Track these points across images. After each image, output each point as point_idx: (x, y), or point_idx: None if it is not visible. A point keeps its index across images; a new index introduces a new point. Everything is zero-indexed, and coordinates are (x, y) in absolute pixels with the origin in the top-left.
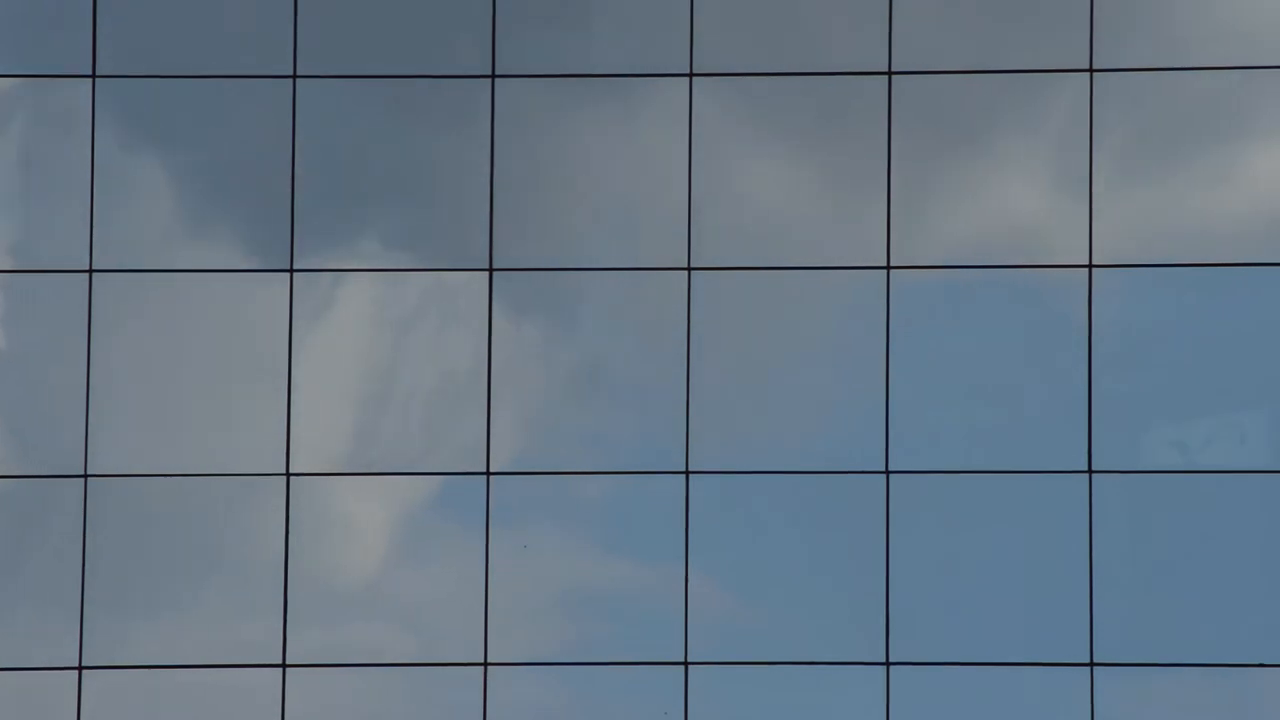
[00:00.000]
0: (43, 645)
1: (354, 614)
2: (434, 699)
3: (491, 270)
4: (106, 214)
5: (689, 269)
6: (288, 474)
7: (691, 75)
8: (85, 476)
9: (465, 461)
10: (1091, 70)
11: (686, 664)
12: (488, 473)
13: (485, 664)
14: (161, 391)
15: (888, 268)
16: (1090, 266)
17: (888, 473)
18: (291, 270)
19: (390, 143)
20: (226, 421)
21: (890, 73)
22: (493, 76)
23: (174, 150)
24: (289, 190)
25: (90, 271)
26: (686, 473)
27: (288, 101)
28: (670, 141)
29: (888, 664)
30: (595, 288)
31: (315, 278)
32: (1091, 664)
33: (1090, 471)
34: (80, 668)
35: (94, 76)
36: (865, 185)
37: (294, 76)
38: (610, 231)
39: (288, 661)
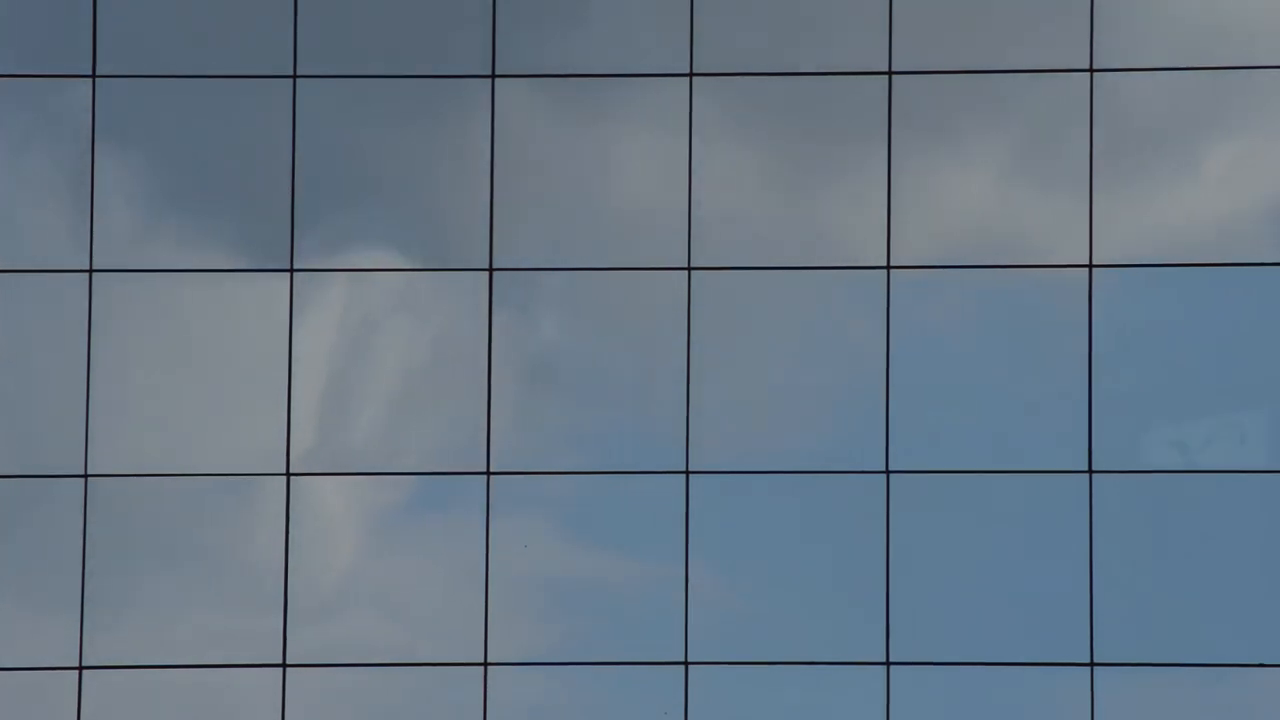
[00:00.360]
0: (43, 645)
1: (353, 613)
2: (434, 699)
3: (491, 270)
4: (74, 214)
5: (689, 269)
6: (288, 474)
7: (692, 75)
8: (85, 476)
9: (451, 460)
10: (1092, 70)
11: (686, 664)
12: (488, 472)
13: (485, 664)
14: (161, 391)
15: (888, 268)
16: (1090, 266)
17: (888, 473)
18: (291, 270)
19: (390, 142)
20: (226, 421)
21: (890, 73)
22: (493, 76)
23: (168, 148)
24: (287, 190)
25: (90, 271)
26: (686, 472)
27: (281, 100)
28: (669, 141)
29: (888, 664)
30: (596, 287)
31: (308, 277)
32: (1091, 664)
33: (1090, 471)
34: (80, 668)
35: (94, 76)
36: (866, 183)
37: (294, 76)
38: (609, 231)
39: (288, 661)
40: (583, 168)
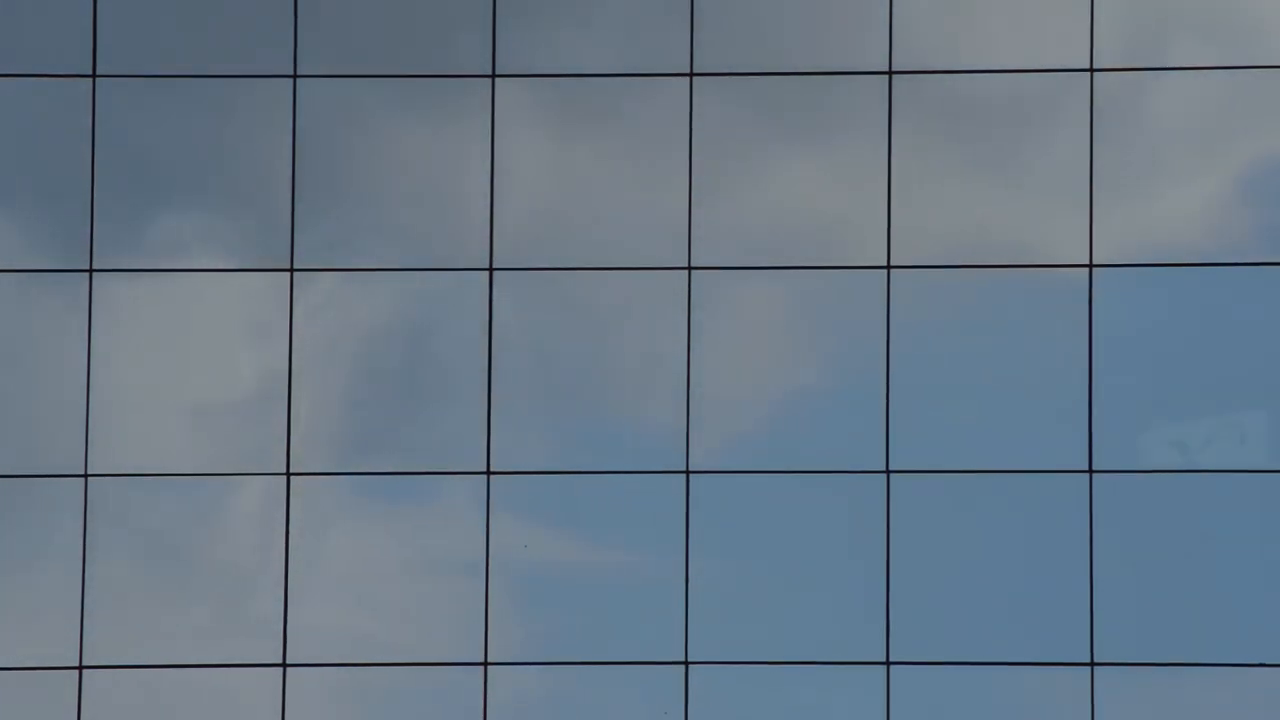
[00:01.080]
0: (43, 645)
1: (353, 613)
2: (434, 698)
3: (492, 270)
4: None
5: (689, 269)
6: (288, 474)
7: (692, 75)
8: (85, 476)
9: (445, 459)
10: (1092, 70)
11: (686, 664)
12: (488, 472)
13: (485, 664)
14: (161, 391)
15: (888, 267)
16: (1090, 266)
17: (888, 472)
18: (292, 270)
19: (387, 140)
20: (225, 420)
21: (890, 72)
22: (493, 76)
23: (164, 145)
24: (288, 189)
25: (90, 271)
26: (687, 472)
27: (283, 99)
28: (669, 141)
29: (888, 664)
30: (596, 286)
31: (312, 277)
32: (1092, 664)
33: (1090, 471)
34: (80, 667)
35: (94, 76)
36: (865, 184)
37: (294, 76)
38: (608, 230)
39: (288, 661)
40: (582, 167)
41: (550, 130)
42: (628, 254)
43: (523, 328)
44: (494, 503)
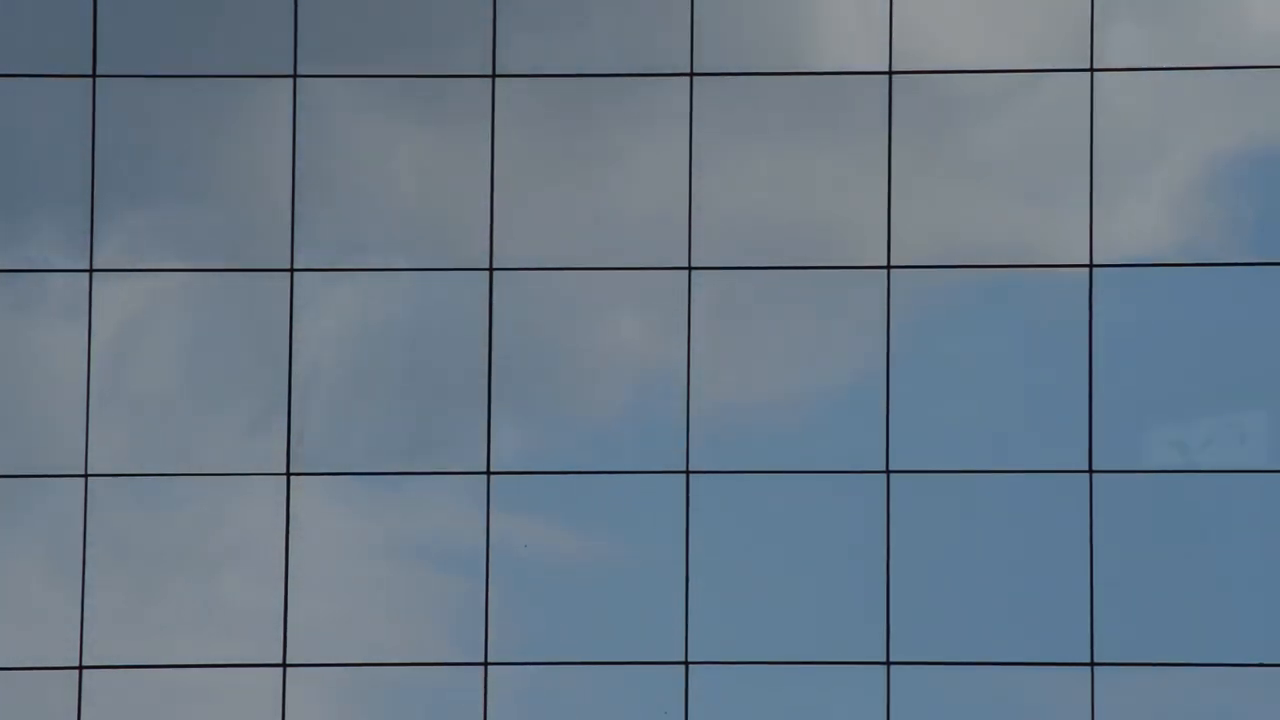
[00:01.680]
0: (43, 645)
1: (352, 613)
2: (434, 698)
3: (492, 270)
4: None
5: (689, 269)
6: (288, 474)
7: (692, 75)
8: (85, 476)
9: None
10: (1092, 70)
11: (687, 664)
12: (488, 472)
13: (485, 664)
14: (160, 391)
15: (888, 267)
16: (1090, 266)
17: (888, 472)
18: (292, 270)
19: (387, 140)
20: (225, 421)
21: (890, 72)
22: (493, 76)
23: (175, 151)
24: (288, 190)
25: (90, 271)
26: (687, 472)
27: (283, 99)
28: (668, 141)
29: (888, 664)
30: (596, 286)
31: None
32: (1092, 664)
33: (1090, 471)
34: (80, 667)
35: (94, 76)
36: (864, 185)
37: (294, 76)
38: (609, 231)
39: (288, 661)
40: (583, 167)
41: (550, 129)
42: (627, 253)
43: (523, 327)
44: (493, 502)
